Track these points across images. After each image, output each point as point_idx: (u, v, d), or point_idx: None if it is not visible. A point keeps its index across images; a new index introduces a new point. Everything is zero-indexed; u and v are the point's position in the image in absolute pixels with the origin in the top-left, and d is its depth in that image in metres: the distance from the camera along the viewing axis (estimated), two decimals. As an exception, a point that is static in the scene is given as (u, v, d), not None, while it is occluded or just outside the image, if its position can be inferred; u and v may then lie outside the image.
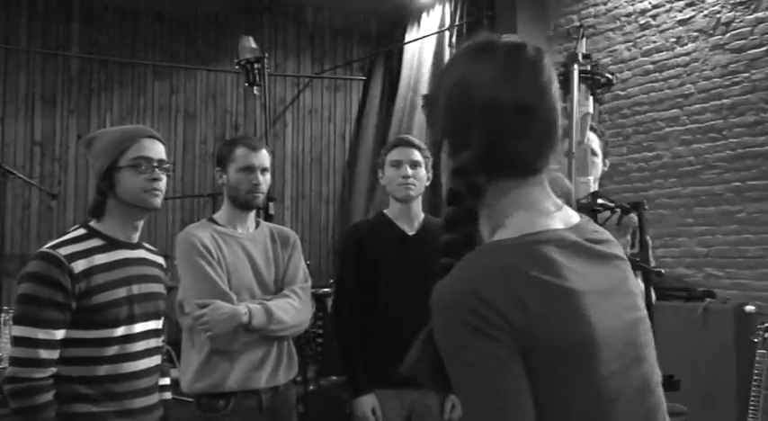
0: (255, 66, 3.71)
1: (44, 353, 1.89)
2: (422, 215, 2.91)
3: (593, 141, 2.63)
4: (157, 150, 2.07)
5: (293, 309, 2.51)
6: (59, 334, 1.91)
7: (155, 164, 2.05)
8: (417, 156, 2.83)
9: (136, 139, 2.04)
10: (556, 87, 1.06)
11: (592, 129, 2.66)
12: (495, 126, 1.02)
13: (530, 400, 0.94)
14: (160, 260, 2.22)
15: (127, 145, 2.03)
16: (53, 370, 1.90)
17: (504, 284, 0.95)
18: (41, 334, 1.88)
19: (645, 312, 1.10)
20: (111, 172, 2.02)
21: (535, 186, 1.06)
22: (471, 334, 0.93)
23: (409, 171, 2.79)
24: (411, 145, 2.86)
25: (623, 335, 1.03)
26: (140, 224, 2.12)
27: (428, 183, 2.91)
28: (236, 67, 3.85)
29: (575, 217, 1.10)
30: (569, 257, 1.01)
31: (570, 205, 1.12)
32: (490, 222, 1.07)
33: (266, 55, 3.78)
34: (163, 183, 2.07)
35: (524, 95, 1.02)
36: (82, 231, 2.04)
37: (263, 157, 2.61)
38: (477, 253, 1.02)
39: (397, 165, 2.81)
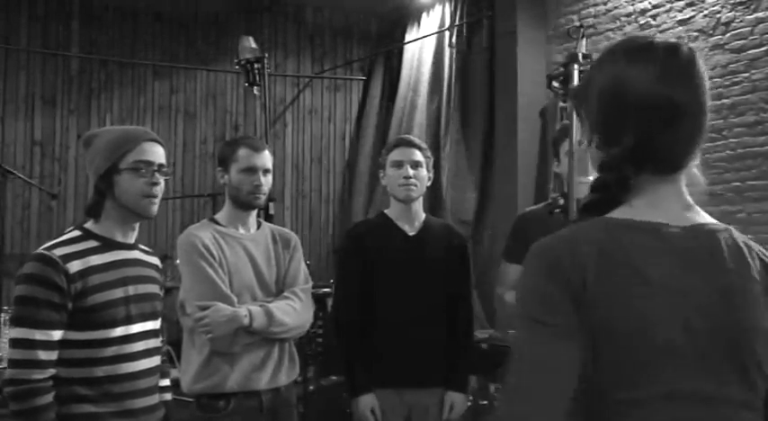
0: (255, 66, 3.71)
1: (42, 355, 1.89)
2: (423, 215, 2.91)
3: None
4: (158, 154, 2.07)
5: (294, 311, 2.51)
6: (57, 335, 1.91)
7: (155, 168, 2.05)
8: (419, 156, 2.83)
9: (138, 142, 2.04)
10: (707, 87, 1.13)
11: None
12: (651, 124, 1.08)
13: (575, 365, 1.02)
14: (155, 261, 2.22)
15: (128, 148, 2.02)
16: (52, 371, 1.90)
17: (576, 249, 1.05)
18: (39, 335, 1.88)
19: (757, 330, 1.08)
20: (111, 173, 2.01)
21: (672, 184, 1.12)
22: (536, 280, 1.06)
23: (410, 171, 2.79)
24: (412, 145, 2.85)
25: (689, 334, 1.04)
26: (137, 226, 2.12)
27: (429, 184, 2.91)
28: (236, 67, 3.85)
29: (694, 220, 1.13)
30: (657, 251, 1.06)
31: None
32: None
33: (266, 55, 3.77)
34: (161, 188, 2.07)
35: (680, 95, 1.08)
36: (77, 233, 2.04)
37: (266, 158, 2.61)
38: (581, 223, 1.12)
39: (399, 165, 2.81)
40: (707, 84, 1.13)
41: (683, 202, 1.13)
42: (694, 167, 1.15)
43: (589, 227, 1.10)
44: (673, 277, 1.05)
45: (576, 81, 2.24)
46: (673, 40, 1.14)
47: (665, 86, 1.08)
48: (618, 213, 1.11)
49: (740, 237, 1.15)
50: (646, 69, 1.08)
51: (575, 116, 2.24)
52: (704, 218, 1.15)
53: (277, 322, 2.44)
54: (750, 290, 1.09)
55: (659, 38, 1.14)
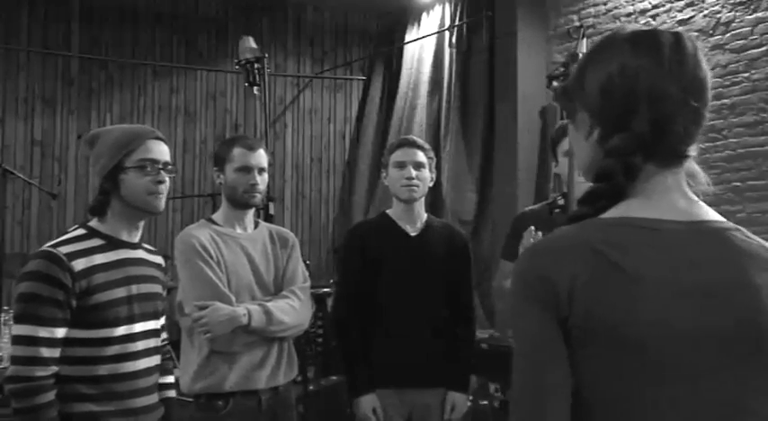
0: (255, 66, 3.71)
1: (45, 352, 1.88)
2: (424, 215, 2.91)
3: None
4: (163, 152, 2.08)
5: (293, 310, 2.51)
6: (60, 332, 1.91)
7: (160, 166, 2.06)
8: (421, 157, 2.83)
9: (142, 141, 2.04)
10: (709, 78, 1.13)
11: None
12: (663, 111, 1.07)
13: (568, 372, 1.01)
14: (159, 260, 2.22)
15: (134, 146, 2.03)
16: (54, 368, 1.90)
17: (564, 257, 1.03)
18: (42, 332, 1.88)
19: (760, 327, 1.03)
20: (116, 172, 2.02)
21: (675, 176, 1.11)
22: (524, 296, 1.04)
23: (413, 172, 2.79)
24: (415, 145, 2.85)
25: (693, 338, 1.00)
26: (141, 224, 2.13)
27: (431, 184, 2.91)
28: (236, 67, 3.85)
29: (697, 214, 1.11)
30: (654, 246, 1.04)
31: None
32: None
33: (266, 55, 3.77)
34: (167, 186, 2.08)
35: (689, 84, 1.09)
36: (82, 231, 2.04)
37: (261, 157, 2.61)
38: (574, 225, 1.09)
39: (401, 166, 2.80)
40: (709, 76, 1.14)
41: (686, 197, 1.12)
42: (695, 163, 1.14)
43: (580, 230, 1.07)
44: (675, 276, 1.02)
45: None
46: (676, 31, 1.14)
47: (672, 77, 1.08)
48: (613, 212, 1.08)
49: (754, 237, 1.14)
50: (654, 59, 1.08)
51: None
52: (709, 214, 1.12)
53: (276, 321, 2.44)
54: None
55: (663, 30, 1.13)
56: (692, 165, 1.14)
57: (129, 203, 2.03)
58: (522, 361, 1.04)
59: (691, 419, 0.99)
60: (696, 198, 1.14)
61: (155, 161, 2.05)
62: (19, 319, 1.92)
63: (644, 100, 1.07)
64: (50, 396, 1.88)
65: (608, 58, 1.12)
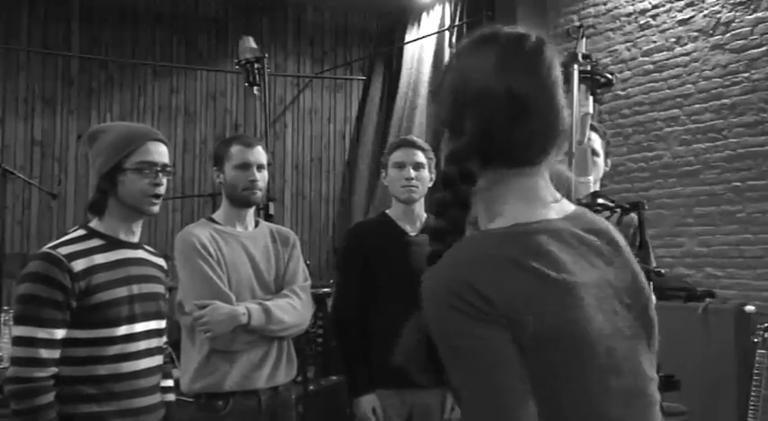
0: (255, 66, 3.71)
1: (44, 353, 1.89)
2: (424, 216, 2.91)
3: (596, 141, 2.63)
4: (163, 154, 2.08)
5: (293, 309, 2.51)
6: (60, 333, 1.91)
7: (158, 168, 2.06)
8: (421, 157, 2.83)
9: (142, 142, 2.04)
10: (557, 79, 1.06)
11: (594, 128, 2.66)
12: (488, 114, 1.02)
13: (526, 384, 0.95)
14: (160, 262, 2.23)
15: (133, 148, 2.03)
16: (54, 369, 1.90)
17: (490, 272, 0.97)
18: (42, 333, 1.89)
19: (645, 303, 1.09)
20: (115, 172, 2.02)
21: (532, 177, 1.06)
22: (462, 319, 0.96)
23: (412, 172, 2.79)
24: (414, 146, 2.85)
25: (613, 327, 1.02)
26: (139, 224, 2.13)
27: (431, 184, 2.91)
28: (236, 67, 3.85)
29: (570, 208, 1.10)
30: (562, 248, 1.02)
31: (570, 200, 1.13)
32: (487, 211, 1.08)
33: (266, 55, 3.78)
34: (164, 188, 2.08)
35: (520, 85, 1.02)
36: (82, 232, 2.04)
37: (259, 154, 2.61)
38: (468, 240, 1.03)
39: (401, 166, 2.80)
40: (557, 77, 1.06)
41: (552, 195, 1.07)
42: (558, 164, 1.10)
43: (482, 245, 1.01)
44: (582, 269, 1.02)
45: (576, 81, 2.24)
46: (522, 30, 1.08)
47: (502, 76, 1.02)
48: (501, 221, 1.04)
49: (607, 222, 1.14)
50: (484, 58, 1.03)
51: (575, 116, 2.24)
52: (572, 206, 1.10)
53: (275, 320, 2.44)
54: (639, 271, 1.10)
55: (509, 28, 1.08)
56: (555, 166, 1.09)
57: (126, 203, 2.03)
58: (477, 395, 0.98)
59: (622, 397, 1.01)
60: (561, 197, 1.10)
61: (153, 164, 2.05)
62: (19, 321, 1.93)
63: (471, 102, 1.03)
64: (49, 397, 1.88)
65: (456, 61, 1.10)
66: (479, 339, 0.96)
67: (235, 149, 2.58)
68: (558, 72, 1.06)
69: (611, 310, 1.03)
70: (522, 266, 0.97)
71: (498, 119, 1.02)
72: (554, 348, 0.96)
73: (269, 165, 2.72)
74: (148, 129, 2.16)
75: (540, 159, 1.06)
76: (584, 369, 0.98)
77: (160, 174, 2.05)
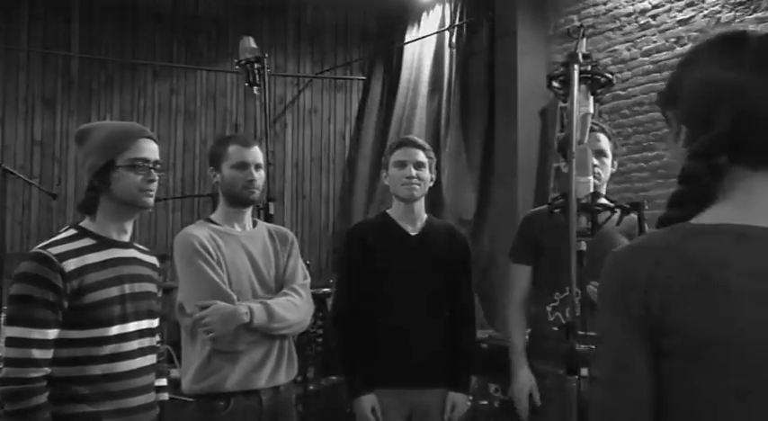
0: (255, 66, 3.70)
1: (37, 353, 1.88)
2: (424, 215, 2.91)
3: (603, 142, 2.65)
4: (154, 151, 2.09)
5: (294, 307, 2.51)
6: (52, 333, 1.90)
7: (150, 165, 2.06)
8: (422, 156, 2.83)
9: (134, 140, 2.05)
10: None
11: (602, 130, 2.67)
12: (740, 109, 1.05)
13: (648, 375, 1.02)
14: (153, 260, 2.22)
15: (125, 145, 2.03)
16: (47, 370, 1.90)
17: (652, 264, 1.03)
18: (34, 333, 1.88)
19: None
20: (107, 170, 2.02)
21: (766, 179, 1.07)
22: (612, 299, 1.05)
23: (413, 172, 2.79)
24: (416, 145, 2.86)
25: None
26: (131, 223, 2.13)
27: (431, 184, 2.91)
28: (236, 67, 3.84)
29: None
30: (749, 255, 1.02)
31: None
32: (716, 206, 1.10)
33: (266, 55, 3.77)
34: (156, 184, 2.09)
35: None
36: (73, 231, 2.04)
37: (256, 154, 2.61)
38: (662, 230, 1.08)
39: (402, 165, 2.81)
40: None
41: None
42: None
43: (668, 234, 1.06)
44: (763, 287, 0.99)
45: (576, 81, 2.23)
46: (765, 33, 1.13)
47: (757, 78, 1.06)
48: (702, 218, 1.06)
49: None
50: (737, 60, 1.07)
51: (575, 116, 2.23)
52: None
53: (278, 318, 2.44)
54: None
55: (752, 32, 1.12)
56: None
57: (120, 200, 2.04)
58: (606, 367, 1.06)
59: None
60: None
61: (146, 160, 2.06)
62: (11, 321, 1.92)
63: (725, 98, 1.06)
64: (43, 398, 1.87)
65: (695, 60, 1.12)
66: (618, 324, 1.05)
67: (232, 149, 2.58)
68: None
69: None
70: (685, 261, 1.02)
71: (754, 114, 1.05)
72: (697, 347, 1.00)
73: (269, 165, 2.71)
74: (139, 126, 2.16)
75: None
76: (726, 372, 1.00)
77: (152, 171, 2.06)
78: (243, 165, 2.56)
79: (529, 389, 2.64)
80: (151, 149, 2.08)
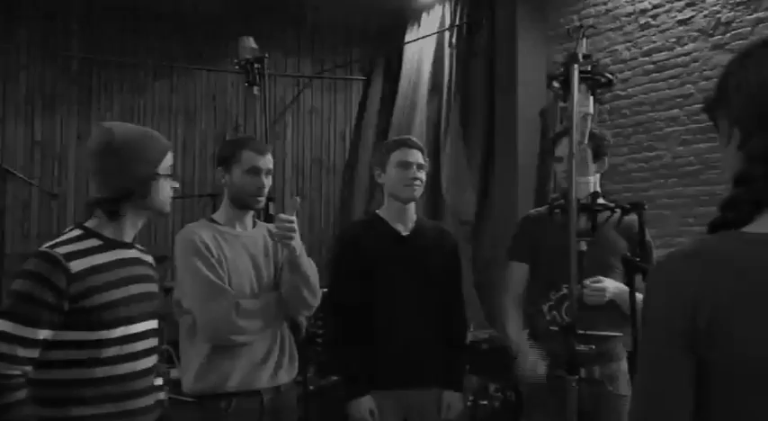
0: (255, 66, 3.71)
1: (21, 351, 1.85)
2: (415, 216, 2.92)
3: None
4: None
5: (317, 283, 2.56)
6: (43, 334, 1.88)
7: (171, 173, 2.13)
8: (421, 158, 2.85)
9: (168, 149, 2.11)
10: None
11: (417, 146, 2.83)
12: None
13: (688, 388, 1.00)
14: (150, 259, 2.22)
15: (165, 154, 2.09)
16: (28, 368, 1.87)
17: (702, 273, 1.00)
18: (23, 331, 1.86)
19: None
20: (149, 178, 2.04)
21: None
22: (657, 306, 1.03)
23: (417, 173, 2.80)
24: (417, 146, 2.87)
25: None
26: (139, 226, 2.14)
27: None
28: (236, 67, 3.85)
29: None
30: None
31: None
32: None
33: (266, 55, 3.77)
34: None
35: None
36: (78, 232, 2.02)
37: (269, 161, 2.63)
38: (714, 236, 1.06)
39: (405, 166, 2.81)
40: None
41: None
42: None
43: (720, 242, 1.03)
44: None
45: (576, 81, 2.23)
46: None
47: None
48: (754, 227, 1.03)
49: None
50: None
51: (575, 116, 2.24)
52: None
53: (312, 272, 2.53)
54: None
55: None
56: None
57: (154, 208, 2.08)
58: (644, 377, 1.04)
59: None
60: None
61: (173, 168, 2.14)
62: (3, 315, 1.89)
63: None
64: (20, 395, 1.85)
65: (747, 63, 1.11)
66: (658, 330, 1.04)
67: (246, 155, 2.57)
68: None
69: None
70: (736, 272, 0.99)
71: None
72: (742, 363, 0.98)
73: None
74: (163, 136, 2.20)
75: None
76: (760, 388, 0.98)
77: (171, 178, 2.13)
78: (255, 172, 2.56)
79: (539, 361, 2.58)
80: (172, 158, 2.14)
